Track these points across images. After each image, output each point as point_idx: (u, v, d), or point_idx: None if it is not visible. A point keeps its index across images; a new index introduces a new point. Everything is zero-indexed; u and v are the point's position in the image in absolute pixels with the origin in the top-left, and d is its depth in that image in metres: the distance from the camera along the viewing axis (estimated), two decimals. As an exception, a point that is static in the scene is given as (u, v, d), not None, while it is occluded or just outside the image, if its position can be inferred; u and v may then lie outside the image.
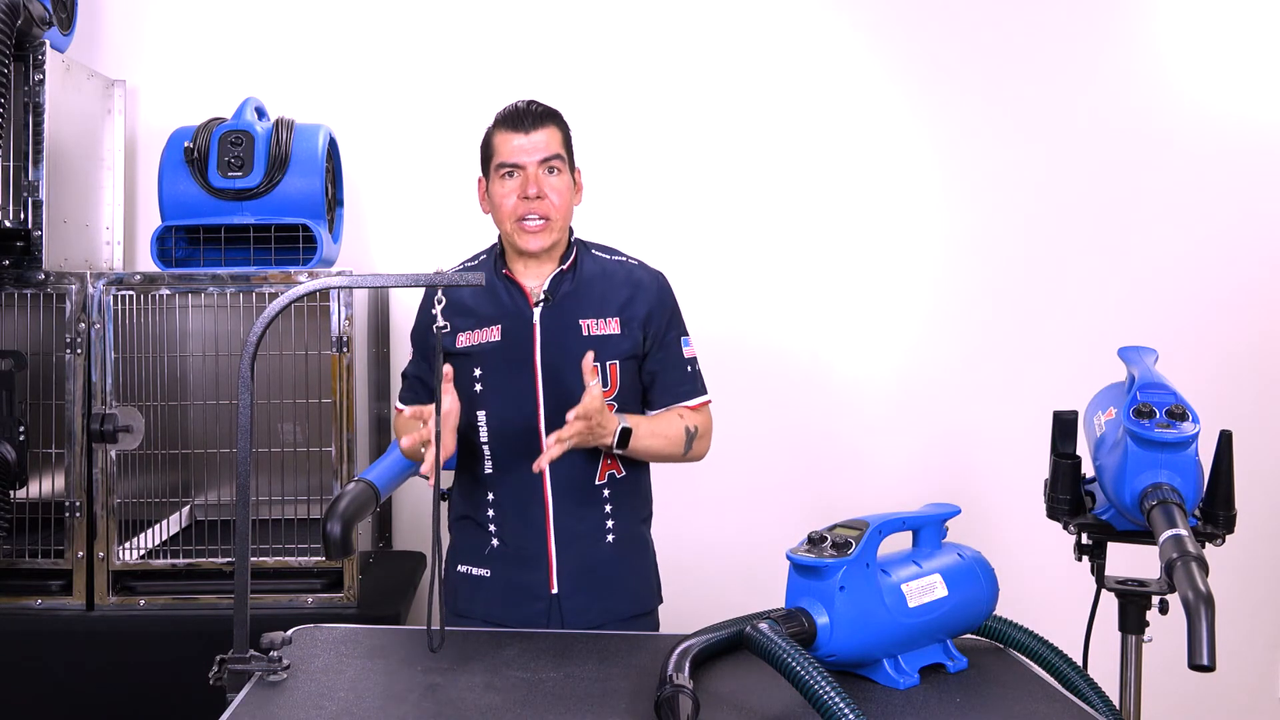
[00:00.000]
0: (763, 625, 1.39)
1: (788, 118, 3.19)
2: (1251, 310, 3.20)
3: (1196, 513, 1.67)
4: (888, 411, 3.21)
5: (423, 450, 1.79)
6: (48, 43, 2.56)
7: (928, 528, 1.66)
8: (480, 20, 3.17)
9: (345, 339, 2.54)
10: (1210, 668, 1.30)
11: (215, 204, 2.63)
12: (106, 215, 2.95)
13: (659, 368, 2.02)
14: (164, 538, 2.65)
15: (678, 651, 1.47)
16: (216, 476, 2.89)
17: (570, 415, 1.78)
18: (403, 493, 2.81)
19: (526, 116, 1.95)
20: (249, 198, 2.63)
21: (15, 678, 2.45)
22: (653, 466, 2.08)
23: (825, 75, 3.20)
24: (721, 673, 1.57)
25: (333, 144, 2.83)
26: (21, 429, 2.42)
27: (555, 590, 1.96)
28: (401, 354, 2.96)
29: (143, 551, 2.55)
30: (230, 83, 3.05)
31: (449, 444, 1.83)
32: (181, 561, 2.54)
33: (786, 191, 3.20)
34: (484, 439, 1.97)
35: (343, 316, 2.54)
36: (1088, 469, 1.76)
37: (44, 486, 2.63)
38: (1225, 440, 1.68)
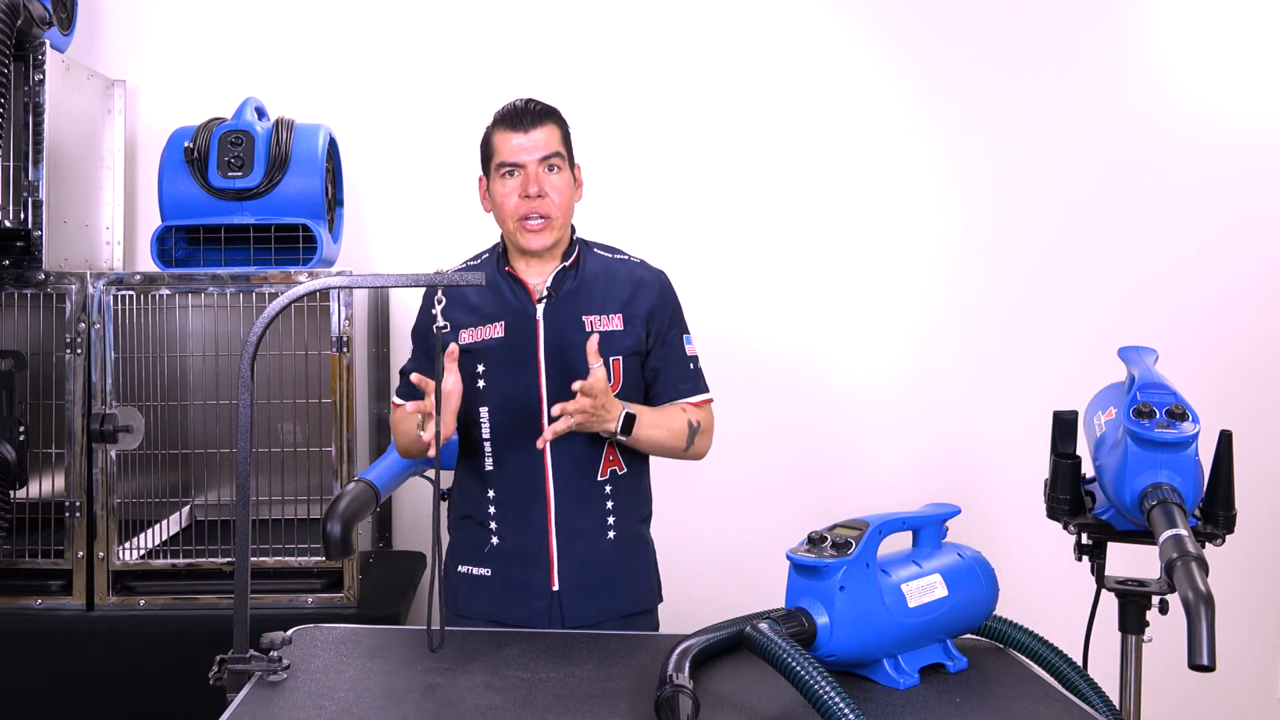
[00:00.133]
0: (763, 625, 1.39)
1: (787, 118, 3.19)
2: (1252, 310, 3.20)
3: (1196, 513, 1.67)
4: (888, 412, 3.21)
5: (420, 432, 1.79)
6: (48, 43, 2.56)
7: (928, 528, 1.67)
8: (480, 20, 3.17)
9: (345, 339, 2.54)
10: (1210, 668, 1.31)
11: (215, 204, 2.63)
12: (106, 215, 2.95)
13: (661, 364, 2.02)
14: (164, 538, 2.65)
15: (678, 651, 1.47)
16: (216, 476, 2.89)
17: (576, 386, 1.79)
18: (403, 493, 2.82)
19: (525, 115, 1.96)
20: (249, 198, 2.63)
21: (15, 678, 2.45)
22: (652, 465, 2.08)
23: (824, 75, 3.20)
24: (721, 673, 1.57)
25: (333, 144, 2.83)
26: (21, 429, 2.42)
27: (556, 588, 1.96)
28: (401, 354, 2.96)
29: (143, 551, 2.55)
30: (230, 83, 3.05)
31: (449, 425, 1.83)
32: (181, 561, 2.54)
33: (786, 192, 3.20)
34: (485, 435, 1.98)
35: (343, 316, 2.54)
36: (1088, 469, 1.76)
37: (44, 486, 2.63)
38: (1225, 440, 1.68)
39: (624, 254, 2.09)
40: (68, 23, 2.76)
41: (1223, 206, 3.20)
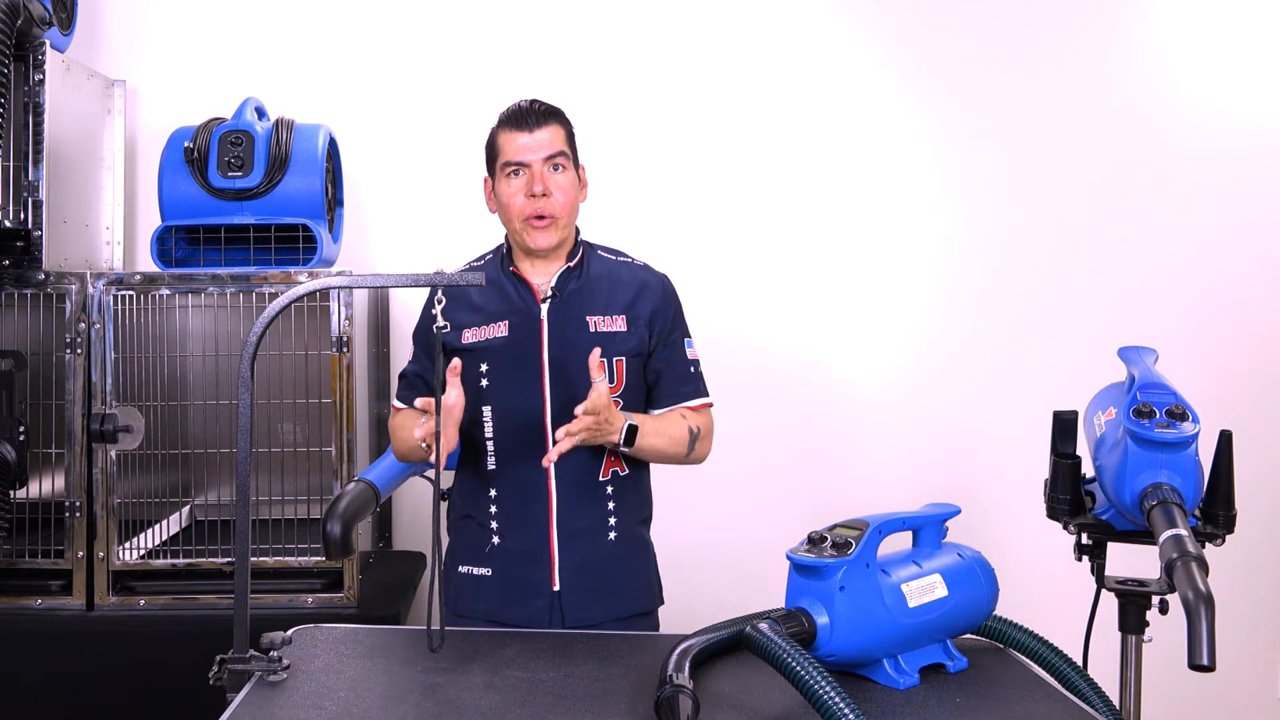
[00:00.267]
0: (763, 625, 1.39)
1: (787, 118, 3.19)
2: (1251, 310, 3.20)
3: (1196, 513, 1.67)
4: (888, 411, 3.21)
5: (423, 447, 1.79)
6: (48, 43, 2.56)
7: (928, 528, 1.67)
8: (480, 20, 3.17)
9: (345, 339, 2.54)
10: (1210, 668, 1.31)
11: (215, 204, 2.63)
12: (106, 215, 2.95)
13: (663, 366, 2.03)
14: (164, 538, 2.65)
15: (678, 651, 1.47)
16: (216, 476, 2.89)
17: (578, 410, 1.79)
18: (403, 493, 2.82)
19: (530, 115, 1.97)
20: (249, 198, 2.63)
21: (15, 677, 2.45)
22: (653, 466, 2.08)
23: (824, 75, 3.20)
24: (721, 673, 1.57)
25: (333, 144, 2.83)
26: (21, 429, 2.42)
27: (557, 587, 1.96)
28: (401, 354, 2.96)
29: (143, 551, 2.55)
30: (230, 83, 3.05)
31: (451, 438, 1.83)
32: (181, 561, 2.54)
33: (786, 192, 3.20)
34: (488, 434, 1.98)
35: (343, 316, 2.54)
36: (1088, 469, 1.76)
37: (44, 486, 2.63)
38: (1225, 440, 1.68)
39: (627, 257, 2.09)
40: (68, 23, 2.76)
41: (1222, 207, 3.19)
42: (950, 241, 3.21)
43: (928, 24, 3.20)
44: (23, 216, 2.52)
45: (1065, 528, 1.79)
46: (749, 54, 3.19)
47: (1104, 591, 1.79)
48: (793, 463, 3.19)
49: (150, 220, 3.01)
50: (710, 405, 2.08)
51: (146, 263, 2.98)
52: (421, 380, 2.05)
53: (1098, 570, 1.79)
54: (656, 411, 2.03)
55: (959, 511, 1.70)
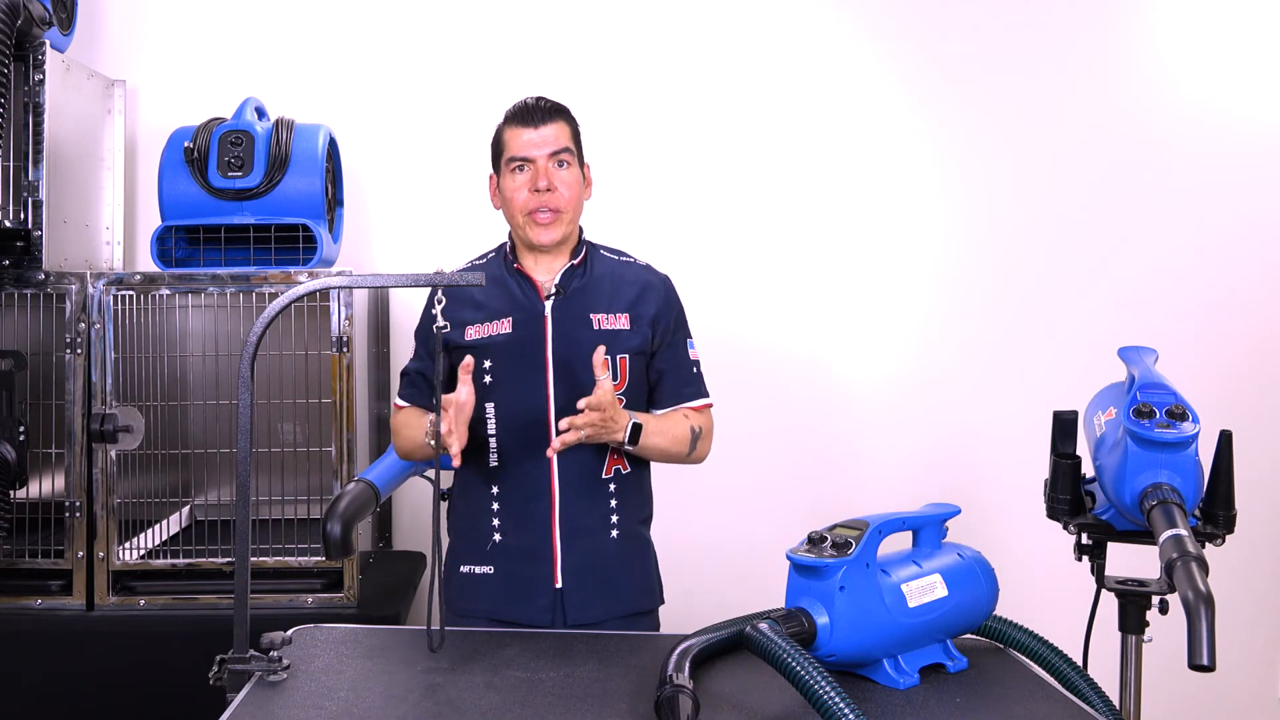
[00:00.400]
0: (763, 625, 1.39)
1: (787, 118, 3.19)
2: (1251, 310, 3.20)
3: (1196, 513, 1.67)
4: (888, 412, 3.21)
5: (429, 442, 1.79)
6: (48, 43, 2.56)
7: (928, 528, 1.67)
8: (481, 20, 3.17)
9: (345, 339, 2.54)
10: (1210, 668, 1.30)
11: (215, 204, 2.63)
12: (106, 215, 2.95)
13: (666, 366, 2.04)
14: (164, 538, 2.65)
15: (678, 651, 1.47)
16: (216, 476, 2.89)
17: (582, 404, 1.80)
18: (403, 493, 2.82)
19: (536, 112, 1.98)
20: (249, 198, 2.63)
21: (15, 677, 2.45)
22: (654, 466, 2.08)
23: (825, 75, 3.20)
24: (721, 673, 1.57)
25: (333, 144, 2.83)
26: (21, 429, 2.42)
27: (559, 585, 1.96)
28: (401, 354, 2.96)
29: (143, 551, 2.55)
30: (230, 83, 3.05)
31: (462, 435, 1.83)
32: (181, 561, 2.54)
33: (786, 192, 3.20)
34: (491, 431, 1.98)
35: (343, 316, 2.54)
36: (1088, 469, 1.76)
37: (44, 486, 2.63)
38: (1225, 440, 1.68)
39: (630, 257, 2.10)
40: (68, 23, 2.76)
41: (1222, 207, 3.19)
42: (950, 241, 3.22)
43: (928, 24, 3.20)
44: (23, 216, 2.52)
45: (1065, 528, 1.79)
46: (749, 54, 3.19)
47: (1104, 591, 1.79)
48: (793, 463, 3.19)
49: (150, 220, 3.01)
50: (710, 405, 2.09)
51: (146, 263, 2.98)
52: (424, 378, 2.05)
53: (1098, 570, 1.79)
54: (659, 411, 2.03)
55: (959, 511, 1.70)
